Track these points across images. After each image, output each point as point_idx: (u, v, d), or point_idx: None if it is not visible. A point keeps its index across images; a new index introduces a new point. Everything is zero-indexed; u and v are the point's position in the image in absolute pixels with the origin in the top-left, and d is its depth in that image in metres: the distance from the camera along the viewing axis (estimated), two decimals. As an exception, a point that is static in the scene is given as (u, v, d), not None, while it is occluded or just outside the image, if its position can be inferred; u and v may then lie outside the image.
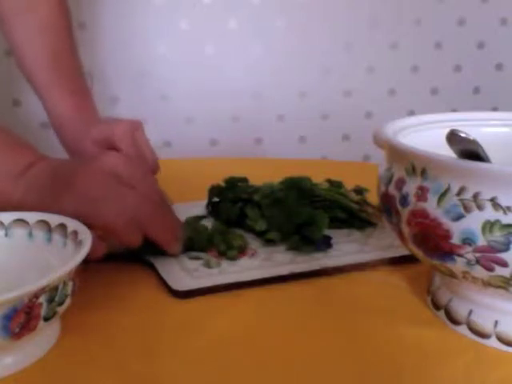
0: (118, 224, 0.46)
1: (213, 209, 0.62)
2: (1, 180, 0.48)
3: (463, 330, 0.40)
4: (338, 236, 0.55)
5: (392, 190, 0.39)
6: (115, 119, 0.65)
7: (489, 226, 0.33)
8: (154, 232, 0.48)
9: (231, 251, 0.51)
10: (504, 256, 0.34)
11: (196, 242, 0.52)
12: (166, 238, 0.49)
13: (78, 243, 0.40)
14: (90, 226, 0.42)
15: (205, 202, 0.63)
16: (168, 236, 0.50)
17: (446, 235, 0.35)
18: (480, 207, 0.33)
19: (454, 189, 0.34)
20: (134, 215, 0.46)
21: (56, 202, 0.46)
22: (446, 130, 0.35)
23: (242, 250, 0.52)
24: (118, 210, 0.46)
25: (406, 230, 0.38)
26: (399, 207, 0.38)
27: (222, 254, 0.51)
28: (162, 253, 0.50)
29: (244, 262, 0.51)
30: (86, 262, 0.38)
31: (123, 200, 0.46)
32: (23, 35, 0.72)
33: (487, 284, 0.37)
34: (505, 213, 0.33)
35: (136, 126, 0.62)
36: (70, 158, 0.56)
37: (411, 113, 1.33)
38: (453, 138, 0.34)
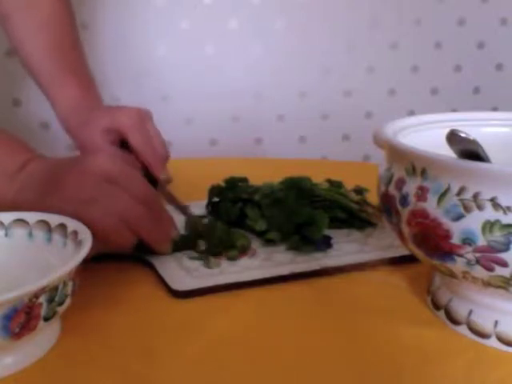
0: (107, 225, 0.45)
1: (213, 209, 0.62)
2: None
3: (463, 330, 0.40)
4: (338, 236, 0.55)
5: (392, 190, 0.39)
6: (122, 107, 0.65)
7: (489, 225, 0.33)
8: (143, 232, 0.48)
9: (232, 251, 0.51)
10: (504, 256, 0.34)
11: (206, 241, 0.52)
12: (154, 239, 0.49)
13: (78, 243, 0.40)
14: None
15: (205, 202, 0.63)
16: (157, 236, 0.50)
17: (446, 235, 0.35)
18: (480, 207, 0.33)
19: (454, 189, 0.34)
20: (124, 215, 0.46)
21: (47, 204, 0.46)
22: (446, 130, 0.35)
23: (244, 250, 0.52)
24: (106, 211, 0.46)
25: (405, 230, 0.38)
26: (399, 207, 0.38)
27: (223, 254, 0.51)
28: (150, 253, 0.50)
29: (244, 262, 0.51)
30: (86, 262, 0.38)
31: (112, 201, 0.46)
32: (25, 30, 0.72)
33: (487, 284, 0.37)
34: (505, 213, 0.33)
35: (144, 115, 0.62)
36: (65, 158, 0.55)
37: (411, 113, 1.33)
38: (453, 137, 0.34)
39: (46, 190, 0.47)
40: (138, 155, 0.59)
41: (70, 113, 0.67)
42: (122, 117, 0.61)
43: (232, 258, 0.51)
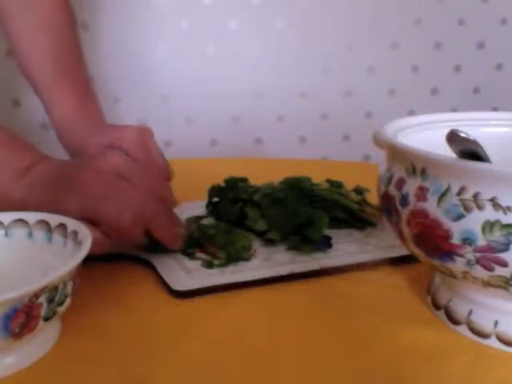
0: (123, 221, 0.46)
1: (213, 209, 0.62)
2: (3, 179, 0.48)
3: (463, 330, 0.40)
4: (337, 236, 0.55)
5: (392, 190, 0.39)
6: (124, 126, 0.63)
7: (489, 226, 0.33)
8: (157, 229, 0.48)
9: (244, 252, 0.51)
10: (504, 256, 0.34)
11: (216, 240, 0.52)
12: (169, 235, 0.50)
13: (78, 243, 0.40)
14: (94, 224, 0.42)
15: (205, 202, 0.63)
16: (171, 232, 0.50)
17: (446, 235, 0.35)
18: (480, 207, 0.33)
19: (454, 189, 0.34)
20: (138, 212, 0.47)
21: (60, 201, 0.46)
22: (446, 130, 0.35)
23: (248, 250, 0.52)
24: (122, 207, 0.46)
25: (405, 230, 0.38)
26: (399, 207, 0.38)
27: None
28: (161, 250, 0.51)
29: (244, 261, 0.51)
30: (87, 262, 0.38)
31: (127, 197, 0.47)
32: (25, 34, 0.71)
33: (487, 284, 0.37)
34: (505, 213, 0.33)
35: (146, 133, 0.60)
36: (73, 159, 0.55)
37: (411, 113, 1.33)
38: (453, 137, 0.34)
39: (59, 188, 0.47)
40: None
41: (67, 124, 0.65)
42: (122, 135, 0.60)
43: (247, 259, 0.51)
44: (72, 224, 0.42)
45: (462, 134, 0.34)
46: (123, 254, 0.51)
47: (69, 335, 0.40)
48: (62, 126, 0.66)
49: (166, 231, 0.50)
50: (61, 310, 0.37)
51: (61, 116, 0.66)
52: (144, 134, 0.59)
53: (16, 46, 0.72)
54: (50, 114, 0.68)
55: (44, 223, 0.43)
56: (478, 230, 0.34)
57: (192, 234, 0.54)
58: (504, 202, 0.33)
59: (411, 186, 0.37)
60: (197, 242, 0.53)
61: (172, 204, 0.55)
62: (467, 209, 0.34)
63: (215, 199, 0.62)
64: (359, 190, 0.62)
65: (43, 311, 0.35)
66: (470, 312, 0.40)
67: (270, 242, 0.54)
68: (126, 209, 0.46)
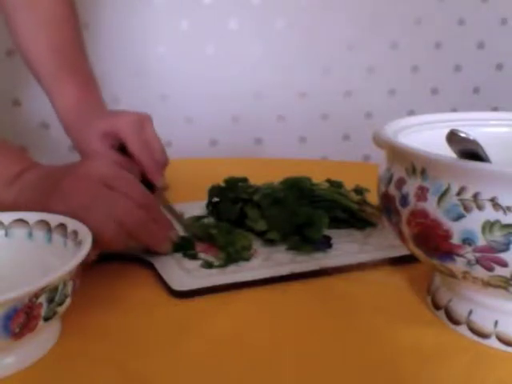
0: (106, 231, 0.45)
1: (213, 209, 0.62)
2: None
3: (463, 330, 0.40)
4: (337, 236, 0.55)
5: (392, 190, 0.39)
6: (122, 111, 0.64)
7: (489, 226, 0.33)
8: (142, 237, 0.48)
9: (244, 252, 0.51)
10: (504, 256, 0.34)
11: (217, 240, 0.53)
12: (153, 242, 0.50)
13: (78, 243, 0.40)
14: None
15: (205, 202, 0.63)
16: (156, 239, 0.50)
17: (446, 235, 0.35)
18: (480, 207, 0.33)
19: (454, 189, 0.34)
20: (121, 222, 0.46)
21: (47, 207, 0.46)
22: (446, 130, 0.35)
23: (248, 250, 0.52)
24: (104, 218, 0.45)
25: (405, 230, 0.38)
26: (399, 207, 0.38)
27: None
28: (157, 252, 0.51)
29: (244, 261, 0.51)
30: (86, 263, 0.38)
31: (110, 206, 0.46)
32: (27, 29, 0.72)
33: (487, 284, 0.37)
34: (505, 213, 0.33)
35: (143, 119, 0.61)
36: (62, 165, 0.55)
37: (411, 113, 1.33)
38: (453, 137, 0.34)
39: (46, 195, 0.47)
40: (136, 160, 0.58)
41: (70, 113, 0.67)
42: (120, 121, 0.60)
43: (247, 259, 0.51)
44: (72, 224, 0.42)
45: (462, 134, 0.34)
46: (123, 254, 0.51)
47: (69, 335, 0.40)
48: (66, 117, 0.68)
49: (151, 239, 0.49)
50: (61, 310, 0.37)
51: (64, 107, 0.68)
52: (142, 121, 0.60)
53: (20, 41, 0.73)
54: (54, 106, 0.70)
55: (44, 223, 0.43)
56: (477, 230, 0.34)
57: (194, 234, 0.54)
58: (504, 202, 0.33)
59: (411, 186, 0.37)
60: (193, 242, 0.53)
61: (163, 189, 0.56)
62: (467, 209, 0.34)
63: (215, 199, 0.62)
64: (359, 190, 0.62)
65: (43, 311, 0.35)
66: (470, 312, 0.40)
67: (270, 242, 0.54)
68: (108, 220, 0.45)
